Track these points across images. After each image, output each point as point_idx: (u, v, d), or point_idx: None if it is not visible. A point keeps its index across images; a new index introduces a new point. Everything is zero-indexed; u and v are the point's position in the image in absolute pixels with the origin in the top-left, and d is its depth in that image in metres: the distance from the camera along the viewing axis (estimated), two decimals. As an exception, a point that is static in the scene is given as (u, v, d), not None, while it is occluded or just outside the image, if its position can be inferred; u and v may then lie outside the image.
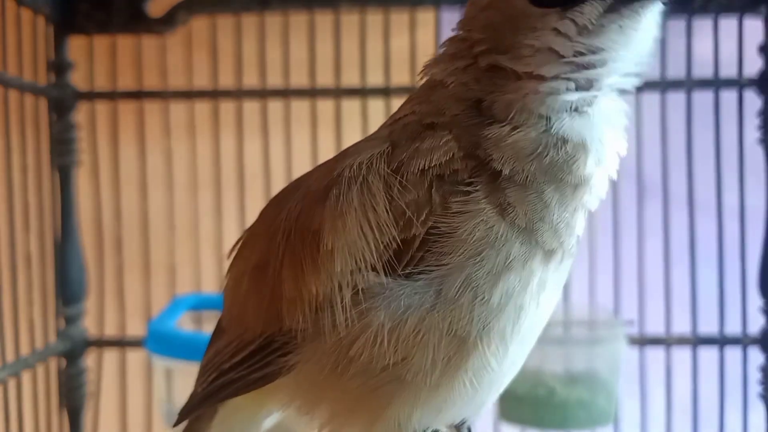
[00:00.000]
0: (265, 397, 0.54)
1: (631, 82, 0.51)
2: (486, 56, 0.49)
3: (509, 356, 0.50)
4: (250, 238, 0.57)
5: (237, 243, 0.58)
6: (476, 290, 0.46)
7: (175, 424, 0.58)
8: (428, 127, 0.49)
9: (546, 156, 0.47)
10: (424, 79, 0.53)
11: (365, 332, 0.47)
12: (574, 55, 0.48)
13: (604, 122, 0.50)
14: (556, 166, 0.47)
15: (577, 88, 0.48)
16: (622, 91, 0.52)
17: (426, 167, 0.47)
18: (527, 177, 0.47)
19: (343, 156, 0.52)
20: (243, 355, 0.53)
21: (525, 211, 0.47)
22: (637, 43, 0.49)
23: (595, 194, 0.50)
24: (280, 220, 0.52)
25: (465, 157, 0.47)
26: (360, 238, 0.47)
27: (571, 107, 0.48)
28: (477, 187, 0.47)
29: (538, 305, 0.49)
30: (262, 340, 0.52)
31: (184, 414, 0.58)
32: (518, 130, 0.47)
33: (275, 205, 0.56)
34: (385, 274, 0.47)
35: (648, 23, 0.49)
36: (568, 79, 0.48)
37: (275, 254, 0.51)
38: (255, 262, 0.54)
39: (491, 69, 0.49)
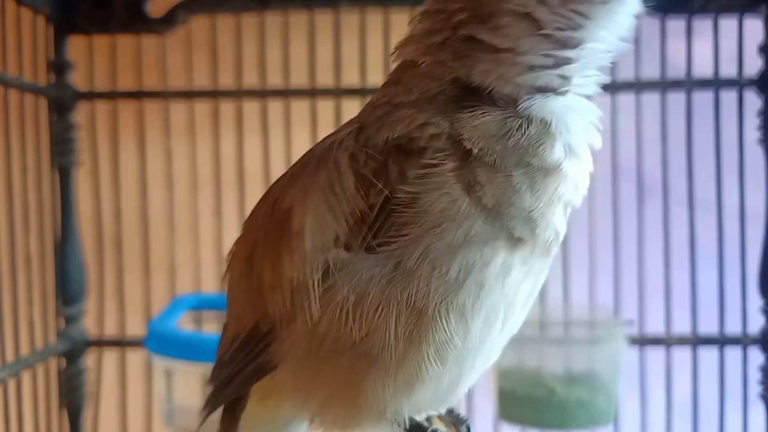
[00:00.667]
0: (274, 400, 0.54)
1: (603, 72, 0.51)
2: (465, 26, 0.49)
3: (473, 334, 0.49)
4: (241, 237, 0.58)
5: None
6: (434, 262, 0.46)
7: (199, 425, 0.59)
8: (396, 107, 0.49)
9: (510, 138, 0.47)
10: (397, 61, 0.53)
11: (331, 308, 0.47)
12: (555, 29, 0.47)
13: (575, 110, 0.49)
14: (521, 149, 0.47)
15: (553, 67, 0.48)
16: (596, 84, 0.51)
17: (387, 139, 0.47)
18: (495, 158, 0.46)
19: (319, 144, 0.53)
20: (236, 346, 0.53)
21: (493, 193, 0.46)
22: (617, 25, 0.49)
23: (572, 187, 0.49)
24: (261, 209, 0.54)
25: (429, 129, 0.47)
26: (327, 213, 0.48)
27: (542, 87, 0.48)
28: (443, 161, 0.46)
29: (503, 287, 0.49)
30: (250, 330, 0.52)
31: (203, 412, 0.58)
32: (486, 112, 0.47)
33: (263, 200, 0.57)
34: (350, 249, 0.47)
35: (631, 4, 0.48)
36: (546, 55, 0.48)
37: (258, 244, 0.52)
38: (244, 256, 0.54)
39: (469, 41, 0.48)
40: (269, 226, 0.51)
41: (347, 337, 0.47)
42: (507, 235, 0.47)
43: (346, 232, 0.47)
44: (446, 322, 0.47)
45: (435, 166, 0.46)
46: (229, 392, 0.55)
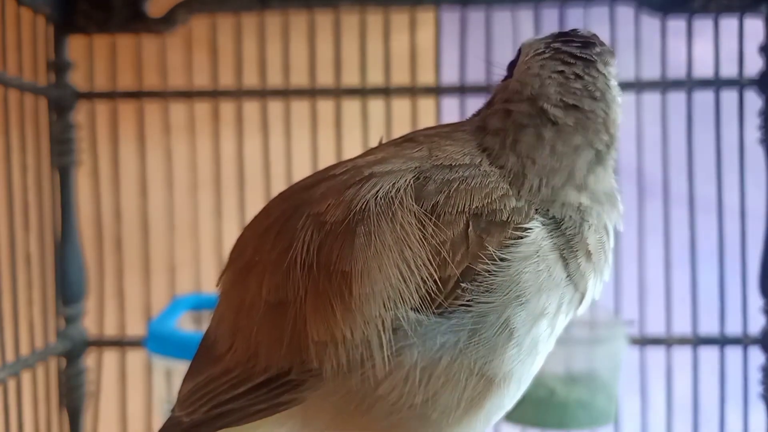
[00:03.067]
0: (266, 424, 0.52)
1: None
2: None
3: (517, 396, 0.51)
4: (254, 265, 0.53)
5: (233, 253, 0.56)
6: (513, 332, 0.46)
7: None
8: (476, 161, 0.50)
9: (605, 203, 0.51)
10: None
11: (397, 371, 0.46)
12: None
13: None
14: (610, 213, 0.52)
15: None
16: None
17: (462, 208, 0.46)
18: (592, 222, 0.49)
19: (357, 171, 0.50)
20: (248, 387, 0.50)
21: (589, 255, 0.49)
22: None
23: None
24: (294, 251, 0.49)
25: (512, 201, 0.48)
26: (399, 280, 0.46)
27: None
28: (532, 230, 0.47)
29: (545, 353, 0.51)
30: (274, 373, 0.49)
31: None
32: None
33: (281, 222, 0.52)
34: (422, 313, 0.46)
35: None
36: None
37: (294, 291, 0.48)
38: (269, 297, 0.50)
39: None
40: (315, 276, 0.47)
41: (408, 399, 0.46)
42: (578, 300, 0.50)
43: (417, 299, 0.46)
44: (506, 389, 0.48)
45: (522, 237, 0.46)
46: (219, 426, 0.52)
